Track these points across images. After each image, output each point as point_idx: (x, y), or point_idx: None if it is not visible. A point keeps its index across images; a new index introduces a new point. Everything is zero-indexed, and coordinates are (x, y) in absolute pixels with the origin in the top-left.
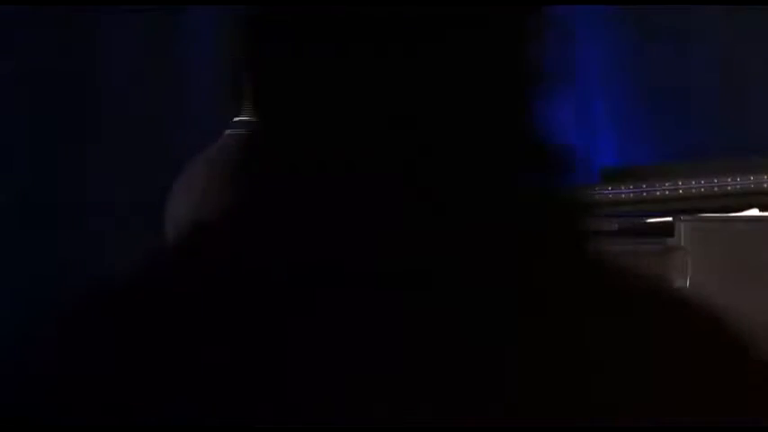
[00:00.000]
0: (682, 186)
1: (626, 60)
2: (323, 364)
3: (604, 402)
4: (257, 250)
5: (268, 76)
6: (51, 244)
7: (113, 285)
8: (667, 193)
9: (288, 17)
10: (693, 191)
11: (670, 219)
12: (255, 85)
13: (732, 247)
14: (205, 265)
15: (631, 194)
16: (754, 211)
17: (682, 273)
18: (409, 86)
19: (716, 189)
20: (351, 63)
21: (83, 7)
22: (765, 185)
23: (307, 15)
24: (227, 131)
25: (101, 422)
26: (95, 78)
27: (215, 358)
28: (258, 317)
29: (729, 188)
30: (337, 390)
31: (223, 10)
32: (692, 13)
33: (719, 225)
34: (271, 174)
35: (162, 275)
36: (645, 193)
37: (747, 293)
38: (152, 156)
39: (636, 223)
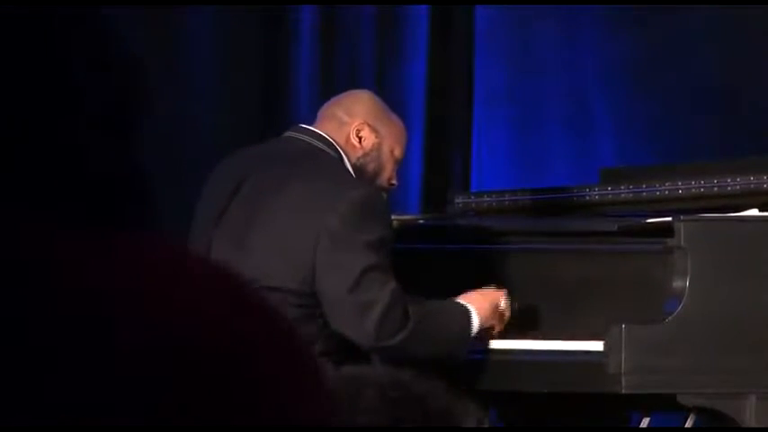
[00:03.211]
0: (682, 186)
1: (626, 60)
2: None
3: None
4: None
5: None
6: None
7: None
8: (667, 193)
9: None
10: (693, 191)
11: (670, 219)
12: None
13: (732, 247)
14: None
15: (631, 194)
16: (754, 211)
17: (682, 273)
18: None
19: (716, 189)
20: None
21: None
22: (765, 185)
23: None
24: (287, 133)
25: None
26: None
27: None
28: None
29: (729, 188)
30: None
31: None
32: (693, 13)
33: (719, 225)
34: None
35: None
36: (645, 193)
37: (747, 294)
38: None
39: (636, 223)
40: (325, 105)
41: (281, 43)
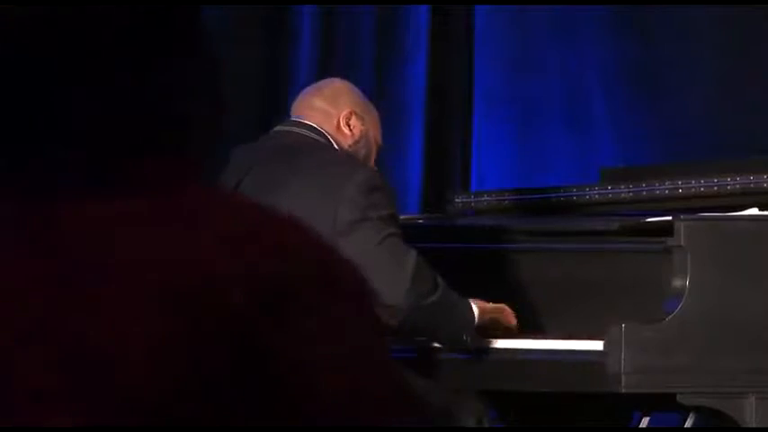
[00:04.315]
0: (682, 186)
1: (626, 60)
2: None
3: None
4: None
5: None
6: None
7: None
8: (667, 192)
9: None
10: (693, 191)
11: (670, 218)
12: None
13: (732, 247)
14: None
15: (631, 194)
16: (754, 211)
17: (682, 272)
18: None
19: (716, 189)
20: None
21: None
22: (765, 185)
23: None
24: (278, 127)
25: None
26: None
27: None
28: None
29: (729, 188)
30: None
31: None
32: (692, 13)
33: (720, 224)
34: None
35: None
36: (645, 193)
37: (747, 293)
38: None
39: (636, 223)
40: (303, 96)
41: (281, 43)
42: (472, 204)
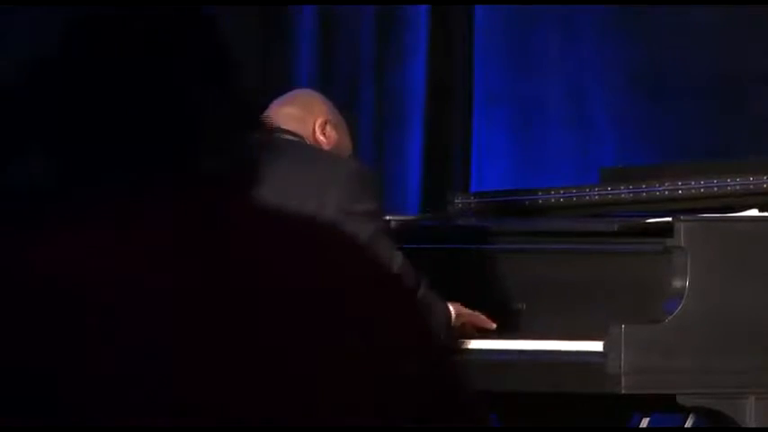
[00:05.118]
0: (682, 186)
1: (626, 60)
2: None
3: None
4: None
5: None
6: None
7: None
8: (667, 193)
9: None
10: (693, 191)
11: (670, 219)
12: None
13: (732, 247)
14: None
15: (631, 194)
16: (754, 211)
17: (682, 273)
18: None
19: (716, 189)
20: None
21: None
22: (765, 185)
23: None
24: None
25: None
26: None
27: None
28: None
29: (729, 188)
30: None
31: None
32: (693, 13)
33: (719, 225)
34: None
35: None
36: (645, 193)
37: (747, 294)
38: None
39: (636, 223)
40: (276, 107)
41: (280, 43)
42: (472, 204)
